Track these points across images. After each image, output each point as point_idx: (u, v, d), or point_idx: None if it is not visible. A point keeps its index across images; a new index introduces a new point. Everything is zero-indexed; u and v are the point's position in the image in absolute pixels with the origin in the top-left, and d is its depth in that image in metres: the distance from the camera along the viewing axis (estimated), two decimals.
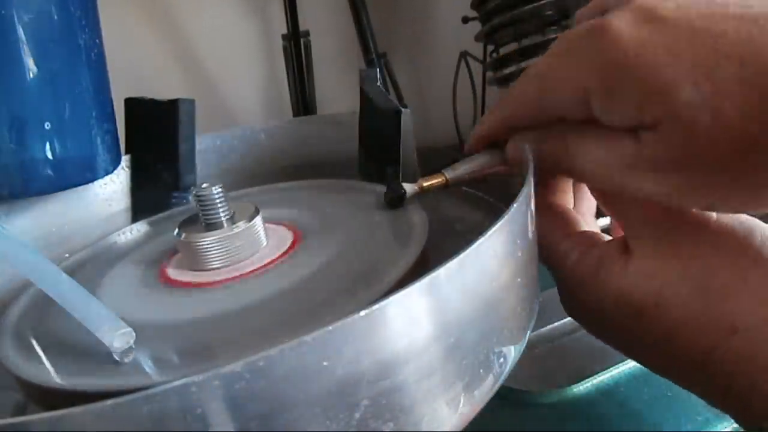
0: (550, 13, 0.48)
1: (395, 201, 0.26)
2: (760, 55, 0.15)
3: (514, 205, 0.17)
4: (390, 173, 0.32)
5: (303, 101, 0.68)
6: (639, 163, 0.18)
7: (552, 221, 0.24)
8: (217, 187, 0.24)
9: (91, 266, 0.28)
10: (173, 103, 0.34)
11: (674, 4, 0.17)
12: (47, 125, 0.27)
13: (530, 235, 0.19)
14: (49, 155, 0.28)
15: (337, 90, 0.75)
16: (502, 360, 0.17)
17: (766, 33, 0.15)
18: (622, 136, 0.19)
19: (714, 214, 0.20)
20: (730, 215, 0.20)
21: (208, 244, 0.23)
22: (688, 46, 0.16)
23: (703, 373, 0.19)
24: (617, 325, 0.21)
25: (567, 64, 0.19)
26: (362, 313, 0.13)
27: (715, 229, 0.20)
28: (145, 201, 0.35)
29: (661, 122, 0.17)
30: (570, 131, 0.21)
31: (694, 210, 0.20)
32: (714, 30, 0.16)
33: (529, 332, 0.19)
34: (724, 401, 0.19)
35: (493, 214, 0.28)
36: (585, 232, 0.23)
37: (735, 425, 0.26)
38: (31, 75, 0.27)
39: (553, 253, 0.23)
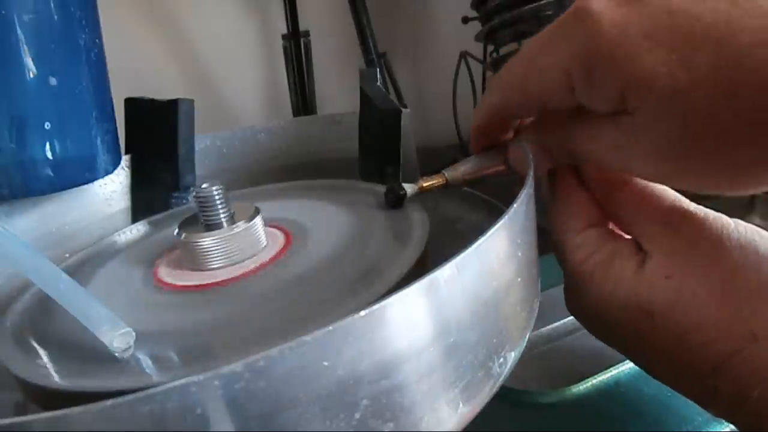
0: (550, 13, 0.48)
1: (395, 201, 0.26)
2: (735, 39, 0.14)
3: (514, 205, 0.17)
4: (390, 173, 0.32)
5: (303, 101, 0.68)
6: (622, 147, 0.18)
7: (567, 213, 0.23)
8: (217, 187, 0.24)
9: (91, 266, 0.28)
10: (173, 103, 0.34)
11: None
12: (47, 125, 0.27)
13: (530, 235, 0.19)
14: (49, 155, 0.28)
15: (337, 90, 0.75)
16: (502, 360, 0.17)
17: (747, 15, 0.14)
18: (603, 120, 0.18)
19: (733, 224, 0.20)
20: (752, 228, 0.19)
21: (208, 245, 0.23)
22: (666, 31, 0.16)
23: (712, 382, 0.18)
24: (624, 326, 0.20)
25: (551, 48, 0.19)
26: (362, 313, 0.13)
27: (738, 238, 0.19)
28: (145, 201, 0.35)
29: (638, 110, 0.17)
30: (567, 118, 0.21)
31: (712, 216, 0.20)
32: (692, 12, 0.15)
33: (529, 332, 0.19)
34: (734, 412, 0.19)
35: (493, 214, 0.28)
36: (600, 228, 0.23)
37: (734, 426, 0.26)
38: (31, 75, 0.27)
39: (565, 247, 0.22)
